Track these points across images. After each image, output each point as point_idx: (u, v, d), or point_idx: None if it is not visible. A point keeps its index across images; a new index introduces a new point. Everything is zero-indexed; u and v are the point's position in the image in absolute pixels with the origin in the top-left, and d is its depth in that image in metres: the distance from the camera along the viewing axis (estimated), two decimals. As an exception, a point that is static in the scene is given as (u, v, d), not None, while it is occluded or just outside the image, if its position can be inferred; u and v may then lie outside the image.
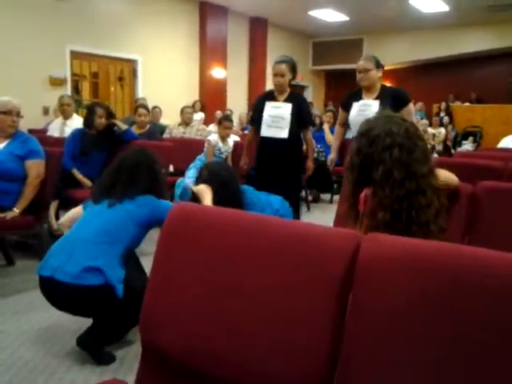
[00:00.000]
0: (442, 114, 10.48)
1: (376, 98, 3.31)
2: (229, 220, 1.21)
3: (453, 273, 0.88)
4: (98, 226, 2.07)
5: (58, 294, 2.00)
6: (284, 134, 3.48)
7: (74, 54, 7.45)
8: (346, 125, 3.65)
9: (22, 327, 2.40)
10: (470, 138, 9.34)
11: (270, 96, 3.62)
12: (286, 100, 3.54)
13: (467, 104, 11.27)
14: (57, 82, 7.11)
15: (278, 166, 3.55)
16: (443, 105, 10.85)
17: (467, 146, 9.01)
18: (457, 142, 9.45)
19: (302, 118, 3.54)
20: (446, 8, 9.21)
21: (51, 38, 6.97)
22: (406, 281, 0.93)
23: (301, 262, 1.06)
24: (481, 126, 9.69)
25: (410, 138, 1.51)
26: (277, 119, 3.50)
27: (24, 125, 3.52)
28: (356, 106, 3.37)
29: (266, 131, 3.55)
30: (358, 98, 3.40)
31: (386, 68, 12.73)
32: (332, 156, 3.85)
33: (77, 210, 2.30)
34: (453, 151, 8.91)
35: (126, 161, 2.26)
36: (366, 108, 3.29)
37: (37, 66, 6.78)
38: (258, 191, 2.70)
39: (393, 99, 3.23)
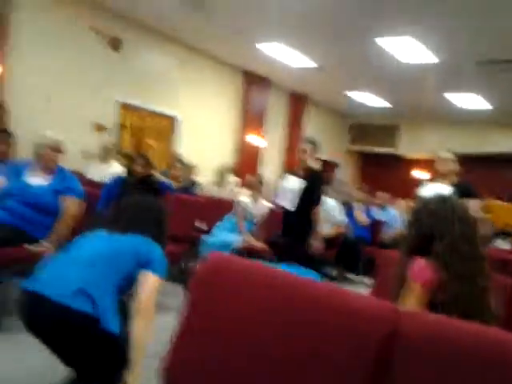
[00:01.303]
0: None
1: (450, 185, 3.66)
2: (267, 277, 1.19)
3: (500, 363, 0.83)
4: (97, 248, 1.97)
5: (42, 313, 1.77)
6: (291, 206, 3.80)
7: (120, 105, 7.80)
8: None
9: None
10: (509, 239, 9.18)
11: (292, 171, 4.06)
12: (304, 176, 3.88)
13: (503, 203, 11.14)
14: (101, 129, 7.39)
15: (286, 235, 3.87)
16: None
17: (503, 244, 8.83)
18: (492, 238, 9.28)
19: (311, 195, 3.81)
20: (486, 106, 9.38)
21: (100, 86, 7.33)
22: (446, 363, 0.87)
23: (337, 331, 1.01)
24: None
25: (469, 216, 1.62)
26: (288, 192, 3.86)
27: (65, 166, 3.63)
28: (430, 186, 3.77)
29: (280, 201, 3.94)
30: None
31: (420, 157, 12.74)
32: None
33: None
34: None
35: (135, 202, 2.25)
36: (440, 189, 3.50)
37: (84, 111, 7.09)
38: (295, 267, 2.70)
39: (464, 190, 3.54)
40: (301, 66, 8.45)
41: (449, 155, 3.82)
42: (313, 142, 3.97)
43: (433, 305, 1.53)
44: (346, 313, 1.02)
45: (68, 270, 1.85)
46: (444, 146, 11.42)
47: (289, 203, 3.80)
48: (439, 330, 0.91)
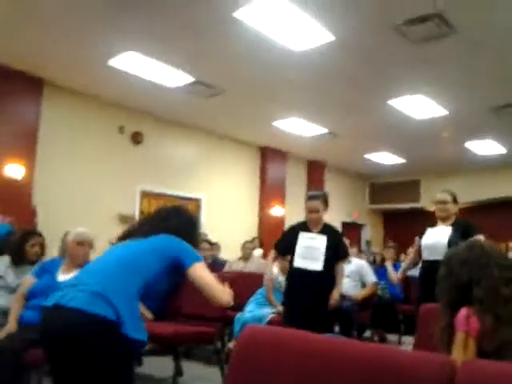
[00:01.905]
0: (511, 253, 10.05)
1: (450, 226, 3.51)
2: (305, 342, 1.14)
3: None
4: (115, 257, 1.84)
5: (58, 325, 1.63)
6: (318, 266, 3.45)
7: (144, 194, 8.01)
8: (418, 252, 3.68)
9: None
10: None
11: (304, 227, 3.64)
12: (321, 232, 3.58)
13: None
14: (125, 219, 7.53)
15: (307, 298, 3.44)
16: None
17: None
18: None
19: (337, 250, 3.56)
20: (503, 151, 9.35)
21: (124, 178, 7.60)
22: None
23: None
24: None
25: (504, 257, 1.62)
26: (311, 250, 3.51)
27: (93, 258, 3.67)
28: (429, 232, 3.58)
29: (299, 262, 3.52)
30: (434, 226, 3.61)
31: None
32: (400, 275, 4.06)
33: None
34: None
35: (164, 208, 2.15)
36: (438, 233, 3.49)
37: (108, 202, 7.30)
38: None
39: (464, 228, 3.40)
40: (315, 134, 8.66)
41: (445, 196, 3.60)
42: (324, 197, 3.67)
43: (482, 353, 1.47)
44: (398, 372, 0.96)
45: (85, 280, 1.73)
46: (467, 193, 11.32)
47: (315, 263, 3.45)
48: (498, 375, 0.85)
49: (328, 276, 3.51)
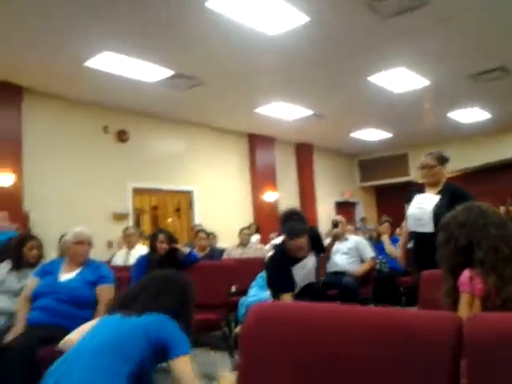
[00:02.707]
0: (502, 218, 10.17)
1: (438, 193, 3.25)
2: (316, 313, 1.17)
3: None
4: (105, 336, 1.75)
5: None
6: (429, 228, 3.13)
7: (135, 191, 7.99)
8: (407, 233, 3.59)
9: None
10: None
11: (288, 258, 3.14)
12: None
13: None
14: (119, 217, 7.53)
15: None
16: (502, 209, 10.55)
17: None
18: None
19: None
20: (487, 115, 9.41)
21: (114, 177, 7.57)
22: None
23: (399, 351, 0.98)
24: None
25: (500, 218, 1.65)
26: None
27: (92, 257, 3.68)
28: (415, 200, 3.31)
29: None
30: (421, 192, 3.36)
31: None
32: (400, 254, 3.76)
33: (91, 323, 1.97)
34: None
35: (157, 276, 2.04)
36: (424, 201, 3.24)
37: (101, 203, 7.28)
38: None
39: (452, 194, 3.14)
40: (300, 116, 8.66)
41: (428, 159, 3.31)
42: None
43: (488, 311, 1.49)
44: (408, 330, 0.99)
45: (74, 363, 1.66)
46: (457, 162, 11.40)
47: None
48: (502, 324, 0.88)
49: None
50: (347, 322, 1.11)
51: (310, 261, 3.20)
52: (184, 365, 1.70)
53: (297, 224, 3.05)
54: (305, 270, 3.16)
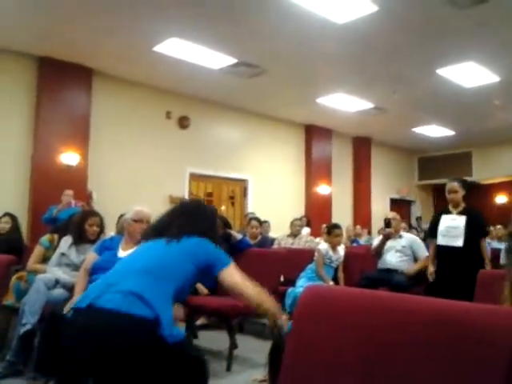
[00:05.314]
0: None
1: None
2: (371, 299, 1.17)
3: None
4: (152, 258, 1.86)
5: (94, 328, 1.59)
6: (459, 242, 3.91)
7: (193, 176, 8.18)
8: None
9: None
10: None
11: (446, 210, 4.16)
12: (461, 213, 4.03)
13: None
14: (176, 201, 7.72)
15: (453, 271, 3.89)
16: None
17: None
18: None
19: (476, 229, 3.94)
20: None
21: (173, 162, 7.79)
22: None
23: (461, 347, 0.96)
24: None
25: None
26: (451, 229, 4.01)
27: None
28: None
29: (441, 240, 4.04)
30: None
31: (497, 181, 12.11)
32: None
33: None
34: None
35: (189, 205, 2.27)
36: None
37: (159, 186, 7.51)
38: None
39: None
40: (360, 109, 8.52)
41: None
42: (463, 181, 4.17)
43: None
44: (467, 323, 0.97)
45: (120, 280, 1.74)
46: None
47: (456, 240, 3.95)
48: None
49: (469, 251, 3.96)
50: (401, 309, 1.10)
51: (460, 219, 3.99)
52: (232, 273, 1.89)
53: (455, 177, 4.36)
54: (452, 223, 4.02)
